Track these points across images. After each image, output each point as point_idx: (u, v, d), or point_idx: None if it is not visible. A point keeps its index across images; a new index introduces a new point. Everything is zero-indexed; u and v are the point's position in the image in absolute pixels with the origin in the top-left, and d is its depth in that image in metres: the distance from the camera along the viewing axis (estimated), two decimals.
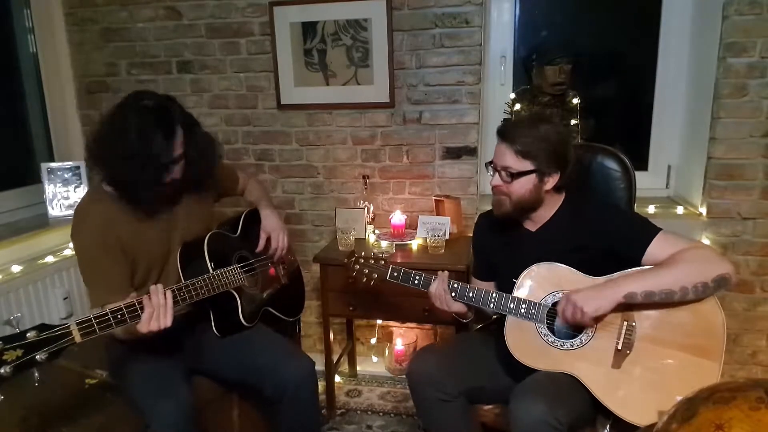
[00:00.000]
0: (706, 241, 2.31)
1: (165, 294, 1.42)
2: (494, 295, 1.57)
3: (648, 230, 1.52)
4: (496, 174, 1.58)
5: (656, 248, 1.48)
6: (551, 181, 1.57)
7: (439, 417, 1.61)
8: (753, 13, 2.12)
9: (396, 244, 2.35)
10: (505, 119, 2.54)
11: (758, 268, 2.33)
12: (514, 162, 1.54)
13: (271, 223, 1.95)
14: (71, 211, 2.54)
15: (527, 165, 1.54)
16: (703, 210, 2.33)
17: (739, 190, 2.27)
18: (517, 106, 2.47)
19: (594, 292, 1.45)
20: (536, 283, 1.56)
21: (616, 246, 1.52)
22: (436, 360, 1.63)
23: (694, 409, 1.05)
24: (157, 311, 1.39)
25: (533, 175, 1.55)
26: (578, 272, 1.53)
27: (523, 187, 1.56)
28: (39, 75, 2.68)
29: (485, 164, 1.66)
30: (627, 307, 1.45)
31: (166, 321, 1.41)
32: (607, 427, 1.51)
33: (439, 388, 1.58)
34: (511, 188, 1.56)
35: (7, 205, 2.52)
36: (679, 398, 1.13)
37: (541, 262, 1.56)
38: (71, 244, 2.42)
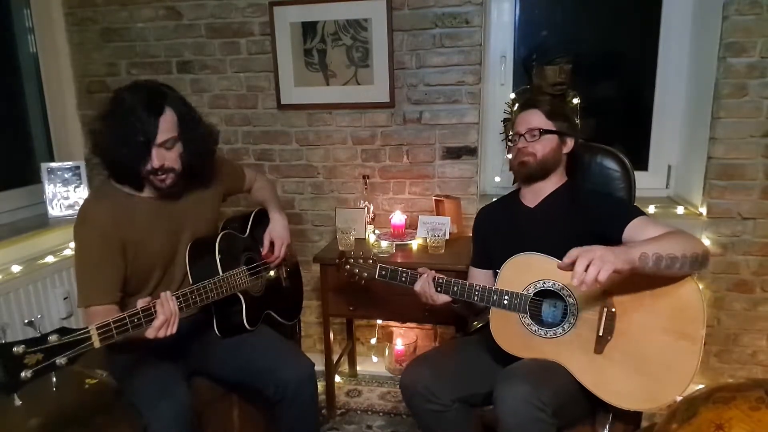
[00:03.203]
0: (706, 241, 2.31)
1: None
2: (478, 287, 1.62)
3: (631, 211, 1.58)
4: (521, 138, 1.71)
5: (635, 227, 1.51)
6: (569, 145, 1.73)
7: (438, 427, 1.61)
8: (753, 13, 2.12)
9: (396, 244, 2.34)
10: (506, 115, 2.55)
11: (758, 268, 2.33)
12: (542, 122, 1.70)
13: (276, 229, 1.95)
14: (71, 211, 2.56)
15: (551, 125, 1.71)
16: (703, 210, 2.33)
17: (739, 190, 2.27)
18: (517, 106, 2.47)
19: (610, 252, 1.37)
20: (517, 273, 1.59)
21: (601, 226, 1.55)
22: (428, 371, 1.61)
23: (694, 409, 1.05)
24: (170, 320, 1.41)
25: (556, 136, 1.71)
26: (556, 260, 1.46)
27: (548, 145, 1.69)
28: (39, 75, 2.68)
29: (507, 138, 1.81)
30: (607, 293, 1.48)
31: (173, 329, 1.43)
32: (607, 427, 1.51)
33: (433, 400, 1.57)
34: (537, 146, 1.68)
35: (7, 205, 2.51)
36: (679, 398, 1.13)
37: (520, 252, 1.60)
38: (71, 244, 2.45)
